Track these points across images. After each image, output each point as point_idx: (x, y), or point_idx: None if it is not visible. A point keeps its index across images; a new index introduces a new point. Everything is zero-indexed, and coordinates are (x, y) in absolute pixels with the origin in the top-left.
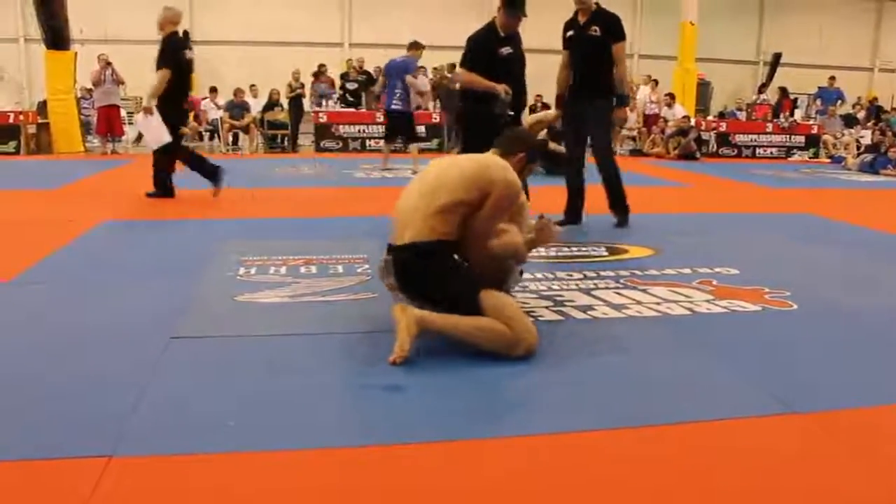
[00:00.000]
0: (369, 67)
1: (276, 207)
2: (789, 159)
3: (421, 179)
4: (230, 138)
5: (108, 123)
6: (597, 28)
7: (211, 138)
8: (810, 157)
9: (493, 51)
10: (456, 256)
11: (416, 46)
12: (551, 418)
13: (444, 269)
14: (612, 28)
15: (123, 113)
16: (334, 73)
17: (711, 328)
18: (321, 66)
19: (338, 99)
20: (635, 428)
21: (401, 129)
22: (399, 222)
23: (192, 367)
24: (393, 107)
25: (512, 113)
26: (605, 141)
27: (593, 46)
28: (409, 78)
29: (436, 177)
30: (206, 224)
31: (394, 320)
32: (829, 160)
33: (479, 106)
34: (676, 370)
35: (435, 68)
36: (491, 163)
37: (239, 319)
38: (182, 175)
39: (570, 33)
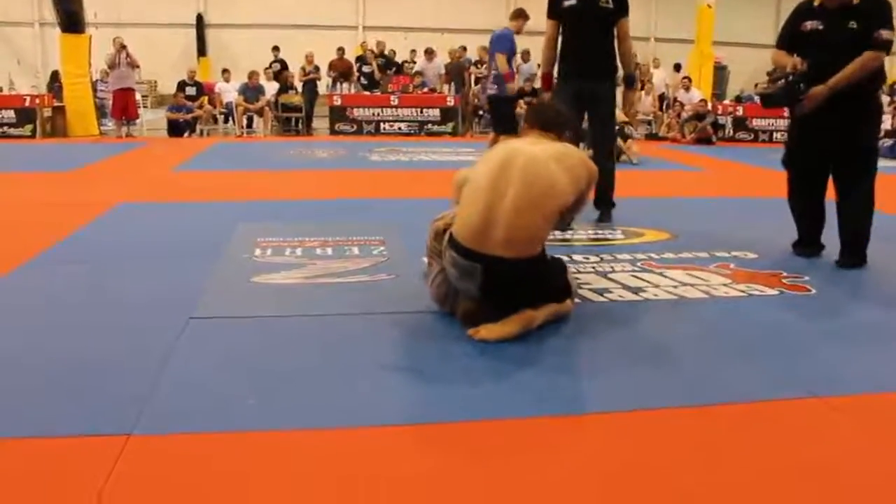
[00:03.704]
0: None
1: (291, 189)
2: None
3: (506, 181)
4: (245, 121)
5: (123, 107)
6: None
7: (226, 121)
8: None
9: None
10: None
11: (520, 15)
12: (565, 402)
13: (549, 272)
14: (624, 1)
15: (138, 96)
16: (350, 56)
17: (729, 311)
18: (340, 49)
19: (355, 81)
20: (653, 410)
21: (495, 116)
22: (486, 228)
23: (211, 347)
24: (489, 92)
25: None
26: (609, 130)
27: (604, 20)
28: (499, 58)
29: (531, 182)
30: (221, 206)
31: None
32: None
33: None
34: (698, 353)
35: (450, 52)
36: (577, 156)
37: (256, 300)
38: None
39: (569, 3)
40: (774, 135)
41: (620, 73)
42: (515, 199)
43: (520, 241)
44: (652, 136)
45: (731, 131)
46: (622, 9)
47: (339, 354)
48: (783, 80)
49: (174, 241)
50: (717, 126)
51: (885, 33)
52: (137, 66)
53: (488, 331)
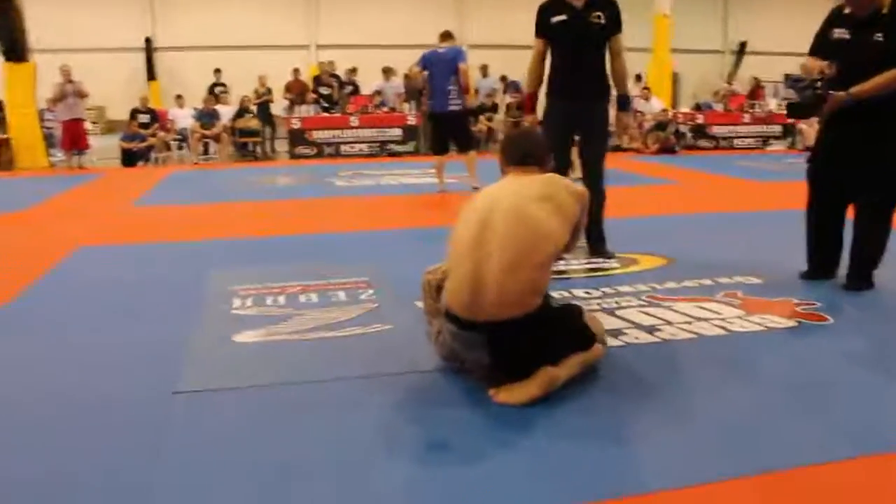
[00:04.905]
0: (339, 71)
1: (259, 223)
2: (767, 149)
3: (488, 241)
4: (201, 148)
5: (73, 137)
6: (600, 14)
7: (180, 147)
8: (789, 147)
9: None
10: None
11: (449, 36)
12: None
13: (561, 321)
14: (616, 16)
15: (88, 124)
16: (305, 76)
17: (752, 350)
18: (295, 69)
19: (312, 102)
20: (717, 483)
21: (458, 132)
22: (476, 296)
23: (203, 431)
24: (451, 108)
25: None
26: (601, 152)
27: (596, 36)
28: (462, 67)
29: (514, 237)
30: (189, 247)
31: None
32: (807, 150)
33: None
34: (739, 405)
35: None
36: (563, 187)
37: (245, 365)
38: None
39: (559, 18)
40: (734, 141)
41: (614, 92)
42: (501, 261)
43: (515, 299)
44: (615, 148)
45: (693, 139)
46: (615, 24)
47: (346, 434)
48: (810, 89)
49: (145, 294)
50: (678, 135)
51: None
52: (86, 96)
53: (509, 394)
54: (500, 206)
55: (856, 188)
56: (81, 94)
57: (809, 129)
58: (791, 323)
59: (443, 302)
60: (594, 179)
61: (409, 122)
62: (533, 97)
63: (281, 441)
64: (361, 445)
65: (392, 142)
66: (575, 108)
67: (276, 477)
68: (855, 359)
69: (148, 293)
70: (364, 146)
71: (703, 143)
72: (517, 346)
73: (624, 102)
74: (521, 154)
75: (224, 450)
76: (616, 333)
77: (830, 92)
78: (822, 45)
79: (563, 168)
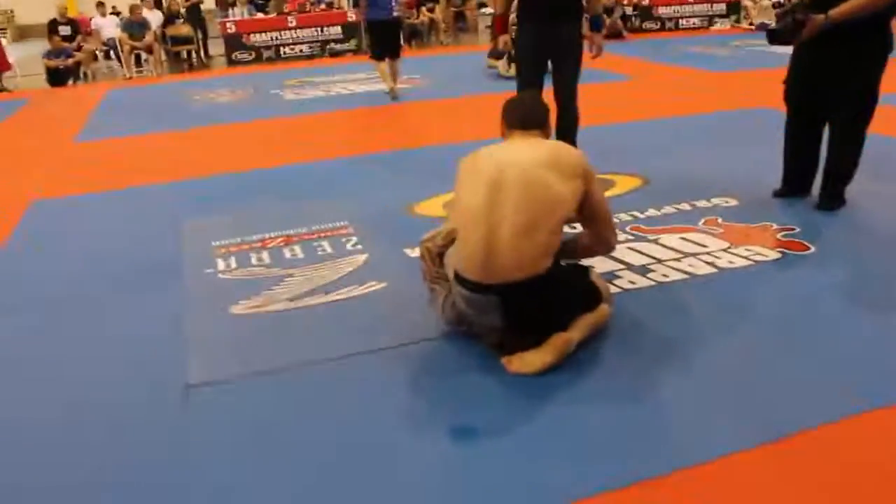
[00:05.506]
0: None
1: (216, 156)
2: (712, 29)
3: (501, 204)
4: (133, 59)
5: None
6: None
7: (107, 57)
8: (733, 25)
9: None
10: (561, 262)
11: None
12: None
13: (569, 281)
14: None
15: (4, 43)
16: None
17: (745, 291)
18: None
19: (245, 3)
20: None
21: (395, 39)
22: (490, 257)
23: (227, 430)
24: (394, 14)
25: None
26: (574, 74)
27: None
28: None
29: (529, 200)
30: (151, 193)
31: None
32: (752, 27)
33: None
34: (744, 357)
35: None
36: (574, 155)
37: (249, 345)
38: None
39: None
40: (680, 21)
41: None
42: (516, 224)
43: (529, 262)
44: None
45: (638, 22)
46: None
47: (368, 414)
48: (789, 16)
49: (120, 260)
50: (625, 18)
51: None
52: None
53: (523, 363)
54: (511, 170)
55: (830, 107)
56: None
57: (752, 5)
58: (775, 254)
59: (451, 267)
60: (567, 101)
61: (350, 20)
62: (503, 18)
63: (305, 430)
64: (386, 426)
65: (333, 41)
66: (546, 30)
67: (310, 469)
68: (844, 291)
69: (123, 258)
70: (304, 47)
71: (648, 24)
72: (530, 307)
73: (596, 23)
74: (523, 118)
75: (252, 443)
76: (611, 277)
77: (810, 16)
78: None
79: (534, 89)
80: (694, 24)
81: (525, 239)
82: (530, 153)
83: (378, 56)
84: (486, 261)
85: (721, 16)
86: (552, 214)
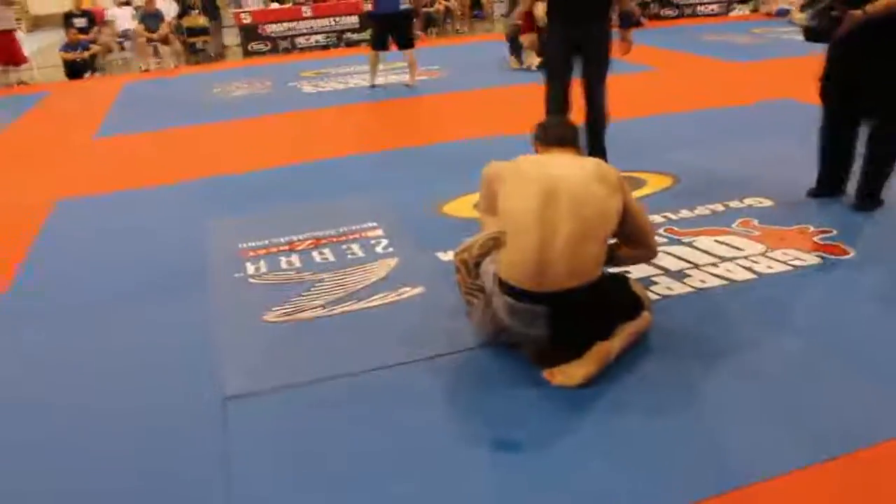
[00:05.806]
0: None
1: (238, 153)
2: (730, 16)
3: (555, 214)
4: (150, 50)
5: (6, 51)
6: None
7: (122, 48)
8: (751, 12)
9: None
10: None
11: None
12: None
13: (614, 290)
14: None
15: (20, 35)
16: None
17: (787, 298)
18: None
19: None
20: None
21: (405, 30)
22: (543, 268)
23: (269, 445)
24: (402, 6)
25: None
26: (603, 72)
27: None
28: None
29: (583, 213)
30: (172, 192)
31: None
32: (770, 15)
33: None
34: (790, 369)
35: None
36: (613, 170)
37: (285, 356)
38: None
39: None
40: (697, 8)
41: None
42: (571, 234)
43: (581, 270)
44: None
45: (657, 8)
46: None
47: (414, 427)
48: (825, 13)
49: (149, 262)
50: (643, 6)
51: None
52: (13, 3)
53: (565, 375)
54: (564, 181)
55: (867, 105)
56: (8, 2)
57: None
58: (815, 259)
59: (489, 275)
60: (596, 100)
61: (366, 10)
62: (529, 16)
63: (346, 442)
64: (433, 439)
65: (349, 30)
66: (575, 31)
67: (352, 482)
68: (890, 298)
69: (149, 261)
70: (320, 37)
71: (666, 12)
72: (579, 316)
73: (626, 19)
74: (559, 137)
75: (292, 456)
76: (648, 283)
77: (847, 11)
78: None
79: (563, 85)
80: (712, 10)
81: (579, 247)
82: (579, 165)
83: (378, 48)
84: (539, 268)
85: (741, 1)
86: (604, 225)
